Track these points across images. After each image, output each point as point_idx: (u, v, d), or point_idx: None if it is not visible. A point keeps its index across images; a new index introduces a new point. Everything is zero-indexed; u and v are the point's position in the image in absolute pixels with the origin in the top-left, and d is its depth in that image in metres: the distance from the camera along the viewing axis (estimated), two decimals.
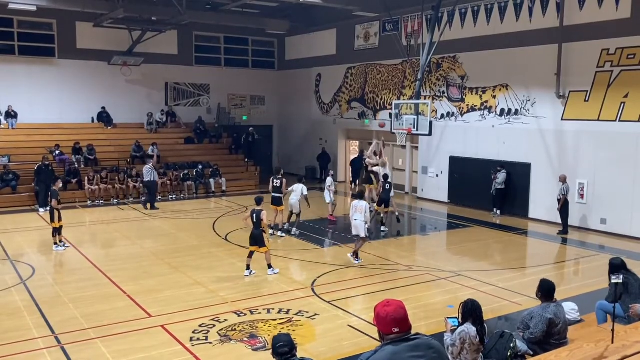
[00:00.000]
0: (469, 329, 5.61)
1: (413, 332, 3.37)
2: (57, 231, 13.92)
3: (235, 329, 8.72)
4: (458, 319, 5.84)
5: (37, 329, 8.74)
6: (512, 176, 18.34)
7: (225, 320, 9.07)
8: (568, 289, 10.51)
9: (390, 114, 20.11)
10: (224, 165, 24.68)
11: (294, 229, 16.00)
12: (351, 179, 25.87)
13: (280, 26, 25.45)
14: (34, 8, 20.77)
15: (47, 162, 19.83)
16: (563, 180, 16.09)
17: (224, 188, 23.50)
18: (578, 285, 11.31)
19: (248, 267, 11.73)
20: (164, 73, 26.85)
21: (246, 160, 26.34)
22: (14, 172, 20.35)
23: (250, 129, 27.47)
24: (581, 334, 6.79)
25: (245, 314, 9.36)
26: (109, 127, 25.23)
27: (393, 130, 19.06)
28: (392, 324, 3.30)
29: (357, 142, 26.80)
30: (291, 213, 16.17)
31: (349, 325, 8.97)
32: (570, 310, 7.33)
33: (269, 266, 11.77)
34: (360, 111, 25.27)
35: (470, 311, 5.72)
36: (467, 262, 13.21)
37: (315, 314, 9.42)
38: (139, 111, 26.01)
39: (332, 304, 9.95)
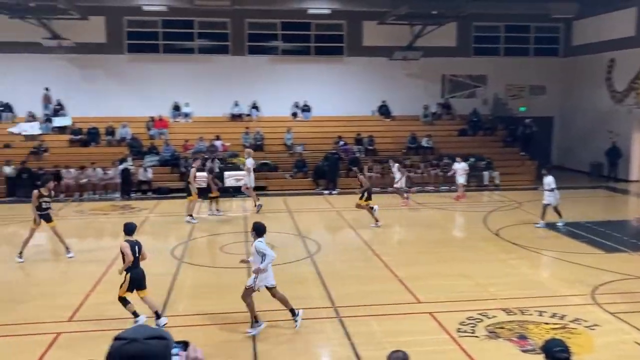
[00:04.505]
0: None
1: None
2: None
3: (503, 327, 8.47)
4: None
5: (320, 300, 9.79)
6: None
7: (494, 316, 8.87)
8: None
9: None
10: (498, 159, 23.94)
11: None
12: None
13: (568, 9, 23.51)
14: (328, 11, 23.11)
15: (333, 151, 21.99)
16: None
17: (497, 182, 22.84)
18: None
19: None
20: (442, 65, 27.13)
21: (522, 153, 25.11)
22: (304, 159, 23.01)
23: (527, 120, 26.07)
24: None
25: (515, 313, 9.01)
26: (388, 120, 26.64)
27: None
28: None
29: None
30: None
31: (635, 342, 7.96)
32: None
33: None
34: None
35: None
36: None
37: (595, 325, 8.57)
38: (415, 103, 26.82)
39: (616, 316, 8.93)
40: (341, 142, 24.03)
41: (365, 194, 15.84)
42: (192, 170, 16.45)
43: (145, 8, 23.64)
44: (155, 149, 22.75)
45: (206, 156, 20.86)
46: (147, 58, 25.26)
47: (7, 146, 22.62)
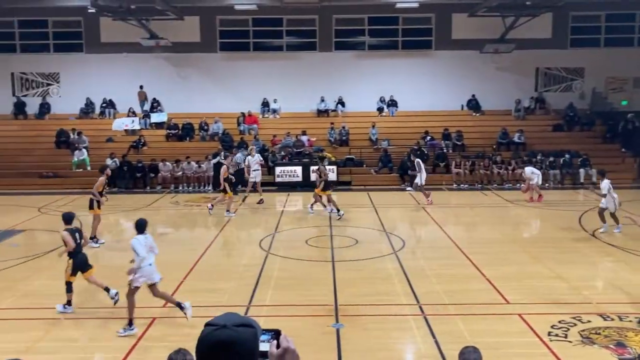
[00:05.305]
0: None
1: None
2: None
3: (599, 333, 8.04)
4: None
5: (405, 296, 9.71)
6: None
7: (589, 321, 8.43)
8: None
9: None
10: (595, 156, 22.64)
11: None
12: None
13: None
14: (416, 5, 22.83)
15: (416, 147, 21.71)
16: None
17: (594, 180, 21.62)
18: None
19: None
20: (535, 58, 26.00)
21: (623, 150, 23.62)
22: (389, 154, 22.85)
23: (630, 115, 24.45)
24: None
25: (613, 319, 8.51)
26: (477, 114, 25.90)
27: None
28: None
29: None
30: None
31: None
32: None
33: None
34: None
35: None
36: None
37: None
38: (506, 98, 25.88)
39: None
40: (428, 138, 23.66)
41: (322, 184, 16.10)
42: (224, 167, 16.76)
43: (237, 7, 24.42)
44: (245, 143, 23.44)
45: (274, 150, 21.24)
46: (238, 56, 26.09)
47: (109, 140, 24.19)
